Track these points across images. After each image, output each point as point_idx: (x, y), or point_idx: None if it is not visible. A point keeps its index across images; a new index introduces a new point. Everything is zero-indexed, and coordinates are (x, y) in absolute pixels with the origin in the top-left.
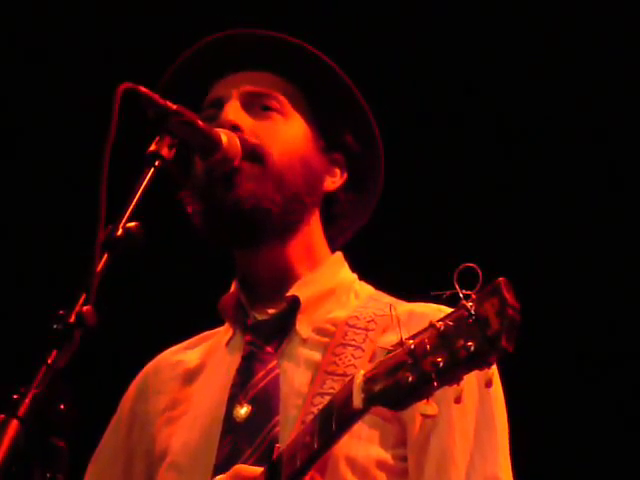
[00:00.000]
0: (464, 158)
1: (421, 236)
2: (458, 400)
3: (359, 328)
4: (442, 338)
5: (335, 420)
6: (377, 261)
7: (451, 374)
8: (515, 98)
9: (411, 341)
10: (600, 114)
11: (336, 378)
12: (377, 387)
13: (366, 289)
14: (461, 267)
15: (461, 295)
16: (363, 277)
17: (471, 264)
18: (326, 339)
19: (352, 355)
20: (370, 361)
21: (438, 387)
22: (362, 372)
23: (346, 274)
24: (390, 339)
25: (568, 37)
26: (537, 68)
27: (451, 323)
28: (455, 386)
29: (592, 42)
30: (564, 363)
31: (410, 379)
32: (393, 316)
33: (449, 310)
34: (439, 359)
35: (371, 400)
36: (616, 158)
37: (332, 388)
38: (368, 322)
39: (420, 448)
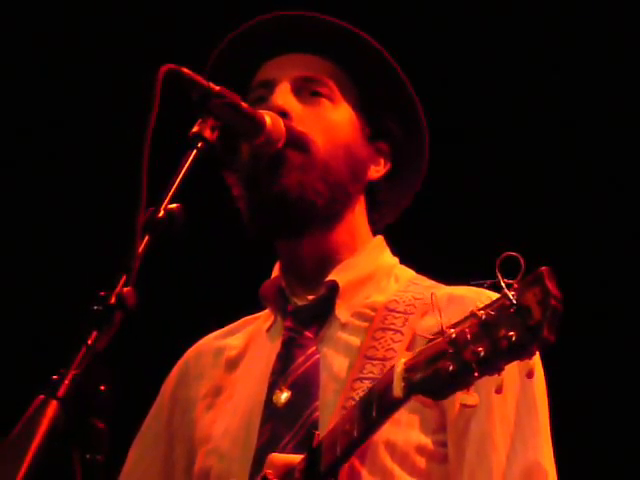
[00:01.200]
0: (509, 145)
1: (466, 221)
2: (499, 390)
3: (398, 312)
4: (483, 327)
5: (375, 408)
6: (420, 245)
7: (492, 364)
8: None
9: (452, 330)
10: None
11: (375, 362)
12: (417, 376)
13: (407, 273)
14: (503, 256)
15: (503, 284)
16: (405, 261)
17: (513, 253)
18: (365, 324)
19: (391, 339)
20: (410, 345)
21: (479, 377)
22: (403, 360)
23: (386, 258)
24: (429, 323)
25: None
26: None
27: (492, 312)
28: (496, 376)
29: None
30: (609, 358)
31: (451, 368)
32: (434, 303)
33: (489, 293)
34: (480, 348)
35: (411, 389)
36: None
37: (371, 372)
38: (407, 306)
39: (460, 433)
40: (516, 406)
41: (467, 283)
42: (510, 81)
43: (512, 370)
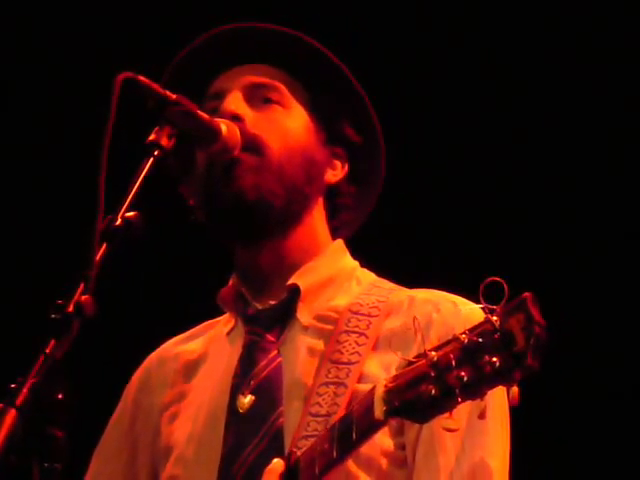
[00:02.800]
0: (493, 164)
1: (424, 224)
2: (482, 416)
3: (362, 314)
4: (466, 352)
5: (355, 430)
6: (378, 248)
7: (475, 389)
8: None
9: (434, 353)
10: None
11: (341, 366)
12: (399, 399)
13: (368, 276)
14: (487, 281)
15: (486, 310)
16: (365, 265)
17: (497, 278)
18: (329, 327)
19: (356, 342)
20: (374, 347)
21: (462, 401)
22: (383, 383)
23: (347, 261)
24: (393, 324)
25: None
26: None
27: (475, 337)
28: (478, 401)
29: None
30: (591, 381)
31: (433, 392)
32: (416, 327)
33: (451, 297)
34: (463, 373)
35: (393, 412)
36: None
37: (337, 377)
38: (371, 308)
39: (415, 435)
40: (469, 410)
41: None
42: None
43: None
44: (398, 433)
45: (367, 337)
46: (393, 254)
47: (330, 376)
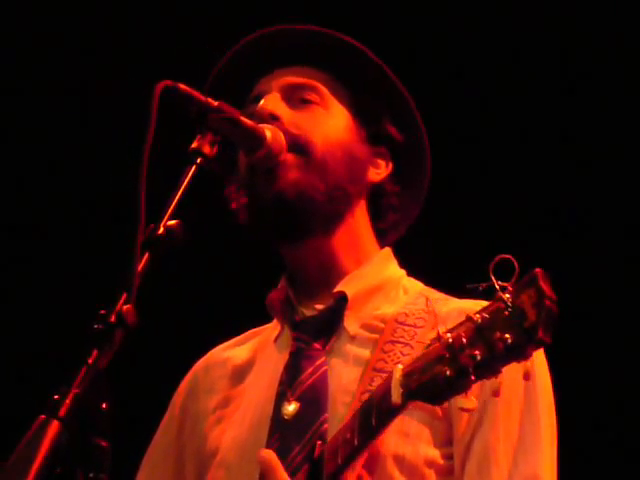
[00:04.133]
0: (503, 147)
1: (467, 230)
2: (496, 393)
3: (408, 325)
4: (479, 331)
5: (375, 416)
6: (425, 257)
7: (489, 367)
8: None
9: (448, 335)
10: None
11: (384, 375)
12: (415, 382)
13: (415, 285)
14: (497, 258)
15: (497, 287)
16: (412, 274)
17: (507, 255)
18: (375, 336)
19: (401, 352)
20: None
21: (476, 380)
22: (400, 367)
23: (394, 270)
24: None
25: None
26: None
27: (488, 315)
28: (493, 379)
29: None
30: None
31: (448, 373)
32: (430, 309)
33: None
34: (476, 352)
35: (410, 395)
36: None
37: None
38: (417, 319)
39: (465, 446)
40: (520, 418)
41: (466, 289)
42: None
43: (515, 375)
44: (446, 444)
45: (412, 347)
46: (437, 261)
47: (373, 384)
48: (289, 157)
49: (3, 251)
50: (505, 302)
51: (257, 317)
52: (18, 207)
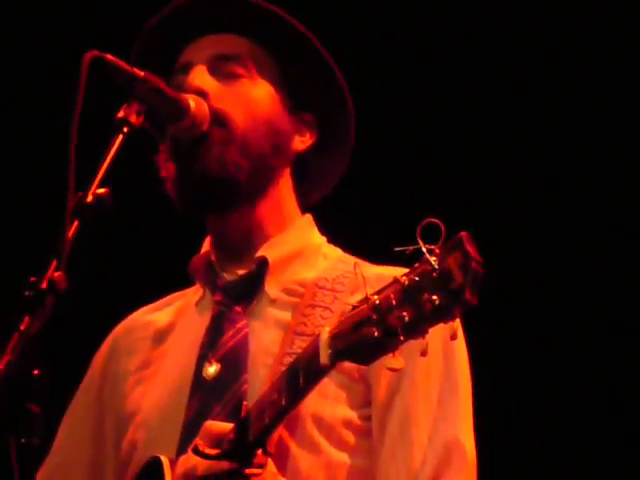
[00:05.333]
0: (428, 110)
1: (387, 196)
2: (424, 353)
3: (327, 289)
4: (407, 293)
5: (302, 377)
6: (344, 224)
7: (417, 328)
8: None
9: (376, 297)
10: None
11: (305, 338)
12: (343, 343)
13: (335, 252)
14: (424, 222)
15: (424, 250)
16: (332, 241)
17: (434, 219)
18: (295, 299)
19: (321, 316)
20: None
21: (404, 341)
22: (327, 329)
23: (315, 236)
24: (357, 299)
25: None
26: None
27: (415, 278)
28: (421, 339)
29: None
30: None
31: (376, 334)
32: (358, 274)
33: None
34: (404, 313)
35: (337, 355)
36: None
37: (301, 348)
38: (336, 284)
39: (384, 408)
40: (439, 382)
41: (392, 255)
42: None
43: (435, 341)
44: (363, 405)
45: (332, 311)
46: (356, 229)
47: (294, 347)
48: (214, 131)
49: None
50: (432, 265)
51: (179, 282)
52: None
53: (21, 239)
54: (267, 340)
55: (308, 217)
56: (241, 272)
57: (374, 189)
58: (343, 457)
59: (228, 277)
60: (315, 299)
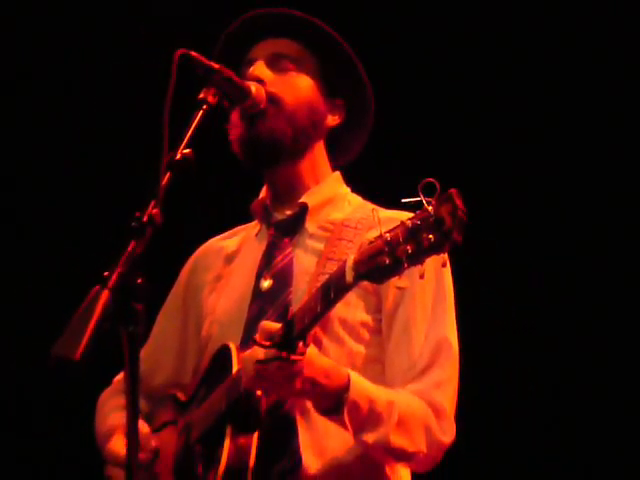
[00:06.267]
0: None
1: (398, 158)
2: (422, 276)
3: (351, 227)
4: (410, 232)
5: (333, 291)
6: (364, 179)
7: (417, 258)
8: None
9: (387, 234)
10: None
11: (334, 262)
12: (363, 267)
13: (356, 199)
14: (424, 181)
15: (424, 201)
16: (354, 191)
17: (431, 179)
18: (327, 234)
19: (346, 247)
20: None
21: (407, 267)
22: (352, 257)
23: (342, 188)
24: (373, 235)
25: None
26: None
27: (417, 221)
28: (420, 266)
29: None
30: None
31: (387, 262)
32: (375, 217)
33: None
34: (408, 247)
35: (359, 277)
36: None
37: (331, 269)
38: (358, 223)
39: (391, 314)
40: (432, 298)
41: (400, 204)
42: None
43: (430, 271)
44: (375, 312)
45: (354, 243)
46: (373, 183)
47: (326, 269)
48: (269, 108)
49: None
50: (429, 212)
51: (243, 219)
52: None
53: (131, 186)
54: (306, 263)
55: (337, 174)
56: (288, 213)
57: (389, 154)
58: (360, 348)
59: (279, 216)
60: (342, 234)
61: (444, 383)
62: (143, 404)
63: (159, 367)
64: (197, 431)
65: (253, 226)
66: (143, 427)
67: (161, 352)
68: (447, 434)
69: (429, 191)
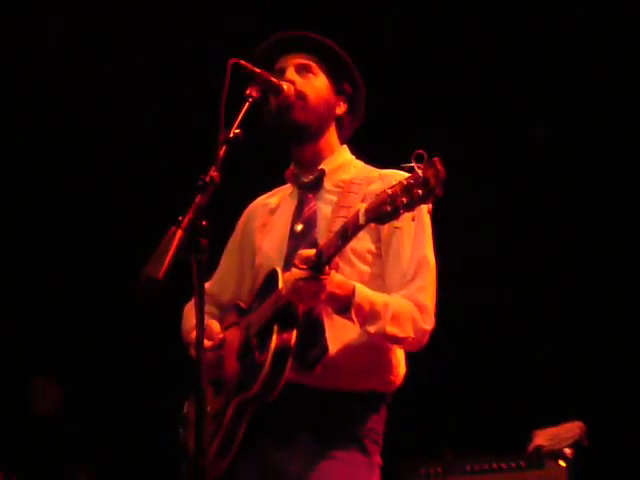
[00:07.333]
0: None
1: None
2: (414, 219)
3: (356, 184)
4: (406, 188)
5: (350, 230)
6: (366, 147)
7: (410, 206)
8: None
9: (389, 190)
10: None
11: (345, 210)
12: (372, 213)
13: (360, 164)
14: (415, 152)
15: (415, 167)
16: (358, 157)
17: (421, 150)
18: (339, 190)
19: (353, 198)
20: (362, 200)
21: (403, 213)
22: (364, 205)
23: (348, 156)
24: (374, 188)
25: None
26: None
27: (411, 180)
28: (412, 212)
29: None
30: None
31: (389, 209)
32: (380, 175)
33: (402, 174)
34: (404, 199)
35: (369, 220)
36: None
37: (343, 214)
38: (361, 180)
39: (388, 242)
40: (415, 230)
41: (397, 166)
42: None
43: (418, 214)
44: (376, 241)
45: (358, 195)
46: (375, 150)
47: (340, 214)
48: (297, 101)
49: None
50: (419, 175)
51: (280, 183)
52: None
53: (196, 156)
54: (326, 211)
55: (345, 147)
56: (311, 177)
57: (388, 125)
58: (366, 268)
59: (304, 180)
60: (350, 189)
61: (425, 288)
62: (216, 312)
63: (226, 288)
64: (254, 328)
65: (287, 188)
66: (215, 325)
67: (227, 278)
68: (427, 323)
69: (419, 159)
